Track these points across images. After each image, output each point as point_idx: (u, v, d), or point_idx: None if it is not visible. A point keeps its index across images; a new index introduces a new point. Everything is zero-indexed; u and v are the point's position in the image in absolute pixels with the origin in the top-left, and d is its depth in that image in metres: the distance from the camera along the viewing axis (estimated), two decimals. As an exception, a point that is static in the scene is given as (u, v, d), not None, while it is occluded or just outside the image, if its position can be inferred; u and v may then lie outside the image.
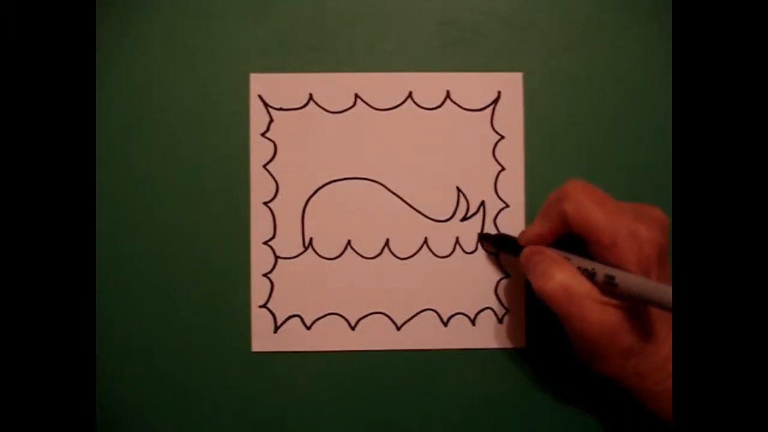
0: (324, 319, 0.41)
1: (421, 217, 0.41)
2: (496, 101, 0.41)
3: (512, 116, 0.41)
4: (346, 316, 0.41)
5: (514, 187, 0.41)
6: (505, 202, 0.41)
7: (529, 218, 0.41)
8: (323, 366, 0.41)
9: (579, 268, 0.34)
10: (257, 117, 0.41)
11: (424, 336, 0.41)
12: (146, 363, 0.40)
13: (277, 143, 0.41)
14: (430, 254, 0.41)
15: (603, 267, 0.33)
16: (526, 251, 0.36)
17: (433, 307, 0.41)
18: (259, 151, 0.41)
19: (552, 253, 0.35)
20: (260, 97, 0.41)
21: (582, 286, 0.33)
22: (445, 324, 0.41)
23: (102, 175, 0.40)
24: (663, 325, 0.34)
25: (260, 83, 0.41)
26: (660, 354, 0.34)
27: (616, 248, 0.32)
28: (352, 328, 0.41)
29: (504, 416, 0.41)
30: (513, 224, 0.41)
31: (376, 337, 0.41)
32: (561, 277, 0.33)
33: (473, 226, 0.41)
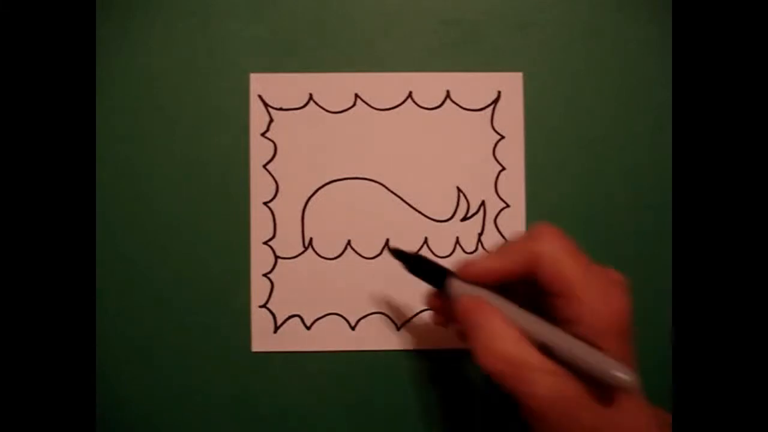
0: (324, 319, 0.41)
1: (421, 217, 0.41)
2: (496, 101, 0.41)
3: (512, 116, 0.41)
4: (346, 316, 0.41)
5: (515, 187, 0.41)
6: (505, 202, 0.41)
7: (530, 218, 0.41)
8: (323, 366, 0.41)
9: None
10: (257, 117, 0.41)
11: (425, 336, 0.41)
12: (146, 363, 0.40)
13: (277, 143, 0.41)
14: (430, 254, 0.41)
15: (542, 326, 0.28)
16: (462, 304, 0.30)
17: (433, 307, 0.41)
18: (259, 151, 0.41)
19: (493, 313, 0.29)
20: (260, 97, 0.41)
21: (531, 355, 0.28)
22: (445, 324, 0.41)
23: (102, 175, 0.40)
24: (638, 399, 0.29)
25: (260, 83, 0.41)
26: (629, 424, 0.28)
27: (579, 307, 0.28)
28: (352, 328, 0.41)
29: (504, 416, 0.41)
30: (513, 224, 0.41)
31: (376, 337, 0.41)
32: (506, 348, 0.28)
33: (473, 226, 0.41)
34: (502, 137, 0.41)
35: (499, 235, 0.41)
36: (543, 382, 0.27)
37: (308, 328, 0.41)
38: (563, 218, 0.41)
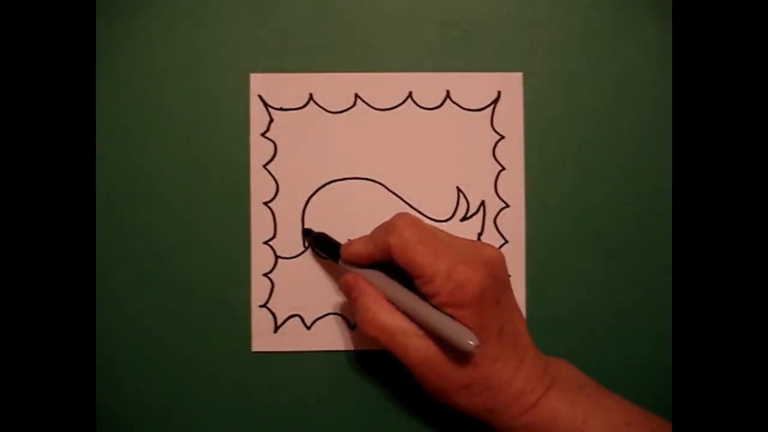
0: (324, 319, 0.41)
1: (422, 217, 0.41)
2: (496, 101, 0.41)
3: (512, 116, 0.41)
4: (346, 316, 0.41)
5: (514, 187, 0.41)
6: (505, 202, 0.41)
7: (529, 218, 0.41)
8: (323, 366, 0.41)
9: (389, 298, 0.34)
10: (257, 117, 0.41)
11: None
12: (146, 363, 0.40)
13: (277, 143, 0.41)
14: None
15: (407, 299, 0.34)
16: (343, 280, 0.36)
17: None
18: (259, 151, 0.41)
19: (367, 288, 0.35)
20: (260, 97, 0.41)
21: (400, 322, 0.33)
22: (445, 324, 0.41)
23: (102, 175, 0.40)
24: (508, 361, 0.34)
25: (260, 83, 0.41)
26: (511, 389, 0.34)
27: (431, 285, 0.32)
28: (352, 328, 0.41)
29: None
30: (513, 224, 0.41)
31: (376, 337, 0.41)
32: (379, 318, 0.34)
33: (473, 226, 0.41)
34: (502, 137, 0.41)
35: (499, 235, 0.41)
36: (413, 345, 0.33)
37: (308, 328, 0.41)
38: (563, 218, 0.41)
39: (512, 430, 0.34)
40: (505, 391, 0.33)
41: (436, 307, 0.33)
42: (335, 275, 0.41)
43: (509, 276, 0.38)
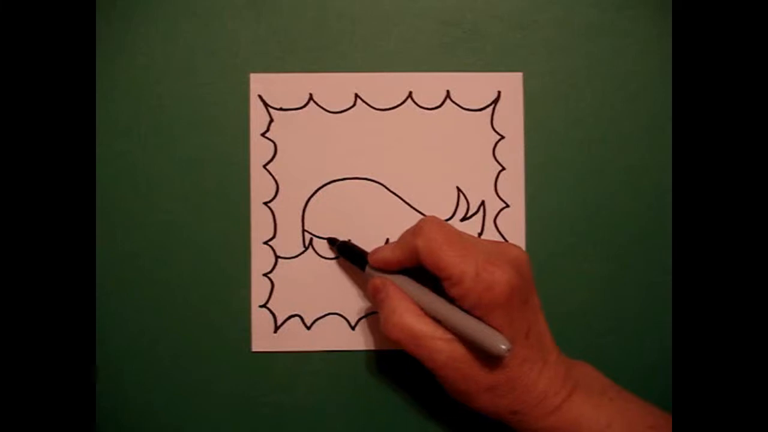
0: (324, 319, 0.41)
1: (421, 217, 0.41)
2: (496, 101, 0.41)
3: (512, 116, 0.41)
4: (346, 316, 0.41)
5: (514, 187, 0.41)
6: (505, 202, 0.41)
7: (529, 218, 0.41)
8: (323, 366, 0.41)
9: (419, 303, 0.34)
10: (257, 117, 0.41)
11: (424, 336, 0.41)
12: (146, 363, 0.40)
13: (277, 143, 0.41)
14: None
15: (435, 303, 0.33)
16: (371, 284, 0.36)
17: (433, 307, 0.41)
18: (259, 151, 0.41)
19: (394, 291, 0.35)
20: (260, 97, 0.41)
21: (425, 326, 0.33)
22: (445, 324, 0.41)
23: (102, 175, 0.40)
24: (534, 363, 0.34)
25: (260, 83, 0.41)
26: (535, 391, 0.33)
27: (460, 286, 0.32)
28: (352, 328, 0.41)
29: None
30: (513, 224, 0.41)
31: (375, 337, 0.41)
32: (404, 320, 0.33)
33: (473, 226, 0.41)
34: (502, 137, 0.41)
35: (499, 235, 0.41)
36: (438, 348, 0.33)
37: (308, 328, 0.41)
38: (563, 218, 0.41)
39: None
40: (531, 392, 0.33)
41: (465, 310, 0.33)
42: (335, 275, 0.41)
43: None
